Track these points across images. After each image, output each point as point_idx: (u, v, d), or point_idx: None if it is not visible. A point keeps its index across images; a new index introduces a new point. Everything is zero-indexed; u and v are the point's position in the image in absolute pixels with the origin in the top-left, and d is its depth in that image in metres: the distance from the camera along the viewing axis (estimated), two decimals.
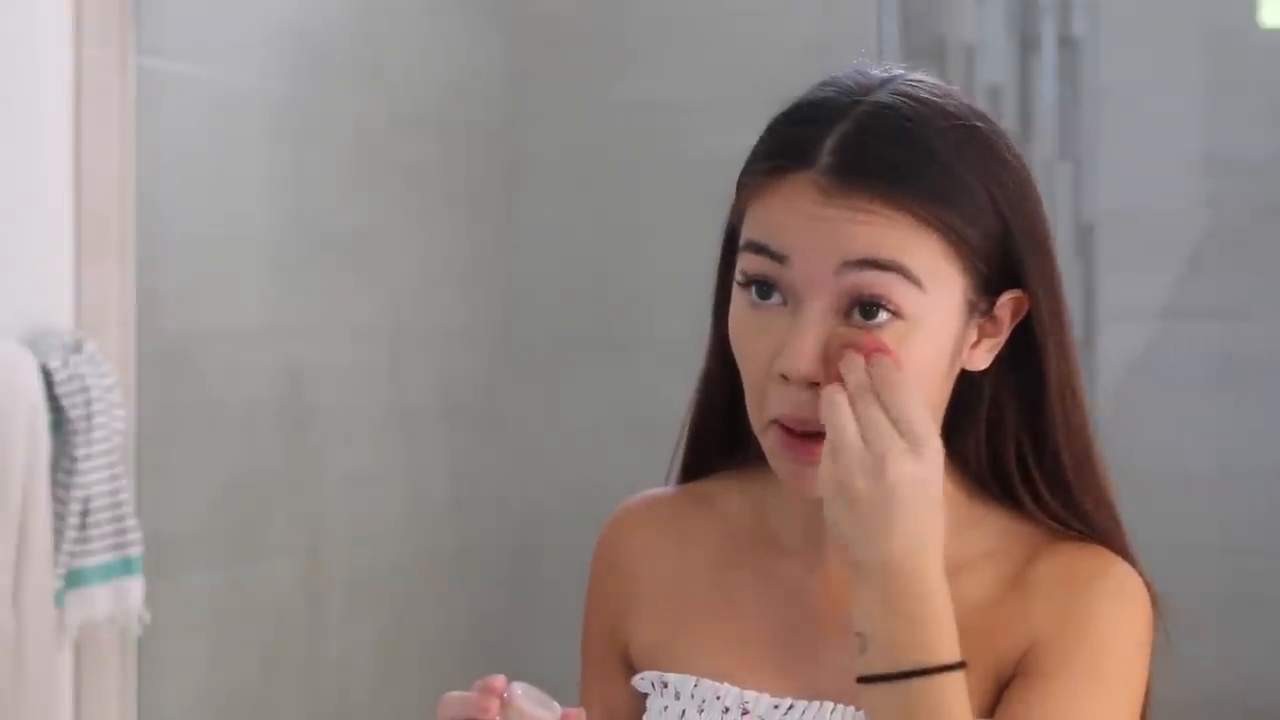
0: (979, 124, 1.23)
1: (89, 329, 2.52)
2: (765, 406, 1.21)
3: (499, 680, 1.17)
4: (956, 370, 1.24)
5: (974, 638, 1.21)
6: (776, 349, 1.20)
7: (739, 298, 1.23)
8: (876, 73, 1.25)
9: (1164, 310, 3.25)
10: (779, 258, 1.20)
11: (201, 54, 2.89)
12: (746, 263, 1.22)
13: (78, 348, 2.47)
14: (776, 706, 1.27)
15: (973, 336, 1.23)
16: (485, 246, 3.66)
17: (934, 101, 1.22)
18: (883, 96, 1.22)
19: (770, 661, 1.29)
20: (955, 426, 1.27)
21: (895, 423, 1.15)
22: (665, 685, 1.31)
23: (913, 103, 1.21)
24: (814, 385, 1.19)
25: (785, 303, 1.20)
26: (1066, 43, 3.35)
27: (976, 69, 3.37)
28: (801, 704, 1.27)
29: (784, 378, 1.19)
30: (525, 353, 3.72)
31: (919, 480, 1.15)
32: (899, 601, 1.15)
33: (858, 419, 1.15)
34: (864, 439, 1.15)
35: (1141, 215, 3.24)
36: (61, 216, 2.53)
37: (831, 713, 1.26)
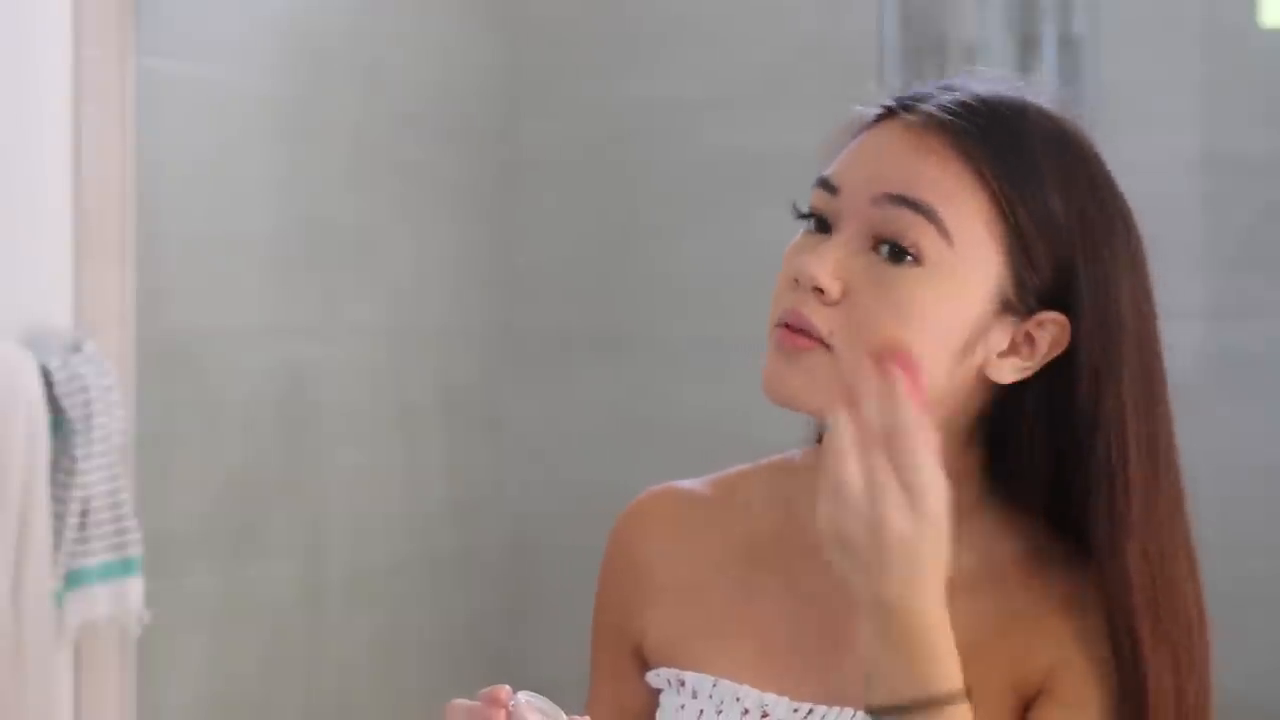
0: (1092, 157, 1.24)
1: (88, 329, 2.52)
2: (775, 310, 1.23)
3: (504, 690, 1.14)
4: (974, 364, 1.21)
5: (996, 652, 1.20)
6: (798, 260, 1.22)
7: (800, 231, 1.26)
8: (1024, 86, 1.27)
9: (1163, 310, 3.24)
10: (832, 189, 1.23)
11: (201, 54, 2.89)
12: (811, 198, 1.24)
13: (77, 348, 2.47)
14: (796, 710, 1.25)
15: (1002, 342, 1.21)
16: (484, 246, 3.66)
17: (1058, 117, 1.24)
18: (1012, 91, 1.25)
19: (791, 664, 1.27)
20: (1010, 440, 1.25)
21: (900, 474, 1.11)
22: (683, 683, 1.29)
23: (1036, 108, 1.24)
24: (819, 293, 1.19)
25: (831, 234, 1.23)
26: (1066, 43, 3.35)
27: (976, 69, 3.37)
28: (821, 709, 1.25)
29: (796, 282, 1.21)
30: (525, 353, 3.72)
31: (915, 540, 1.11)
32: (895, 637, 1.12)
33: (863, 468, 1.12)
34: (866, 492, 1.11)
35: (1140, 215, 3.23)
36: (61, 216, 2.53)
37: (852, 718, 1.24)
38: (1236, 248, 3.29)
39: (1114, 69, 3.33)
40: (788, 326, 1.20)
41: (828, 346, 1.19)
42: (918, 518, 1.11)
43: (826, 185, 1.23)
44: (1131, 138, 3.25)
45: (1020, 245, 1.20)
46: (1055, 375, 1.22)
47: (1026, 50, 3.36)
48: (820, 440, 1.31)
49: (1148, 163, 3.24)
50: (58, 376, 2.40)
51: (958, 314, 1.19)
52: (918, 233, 1.19)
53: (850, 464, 1.12)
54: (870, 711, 1.15)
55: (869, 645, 1.14)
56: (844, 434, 1.13)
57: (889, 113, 1.24)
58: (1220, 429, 3.20)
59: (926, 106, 1.22)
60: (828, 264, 1.19)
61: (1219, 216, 3.29)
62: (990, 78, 1.27)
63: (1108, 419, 1.22)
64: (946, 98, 1.23)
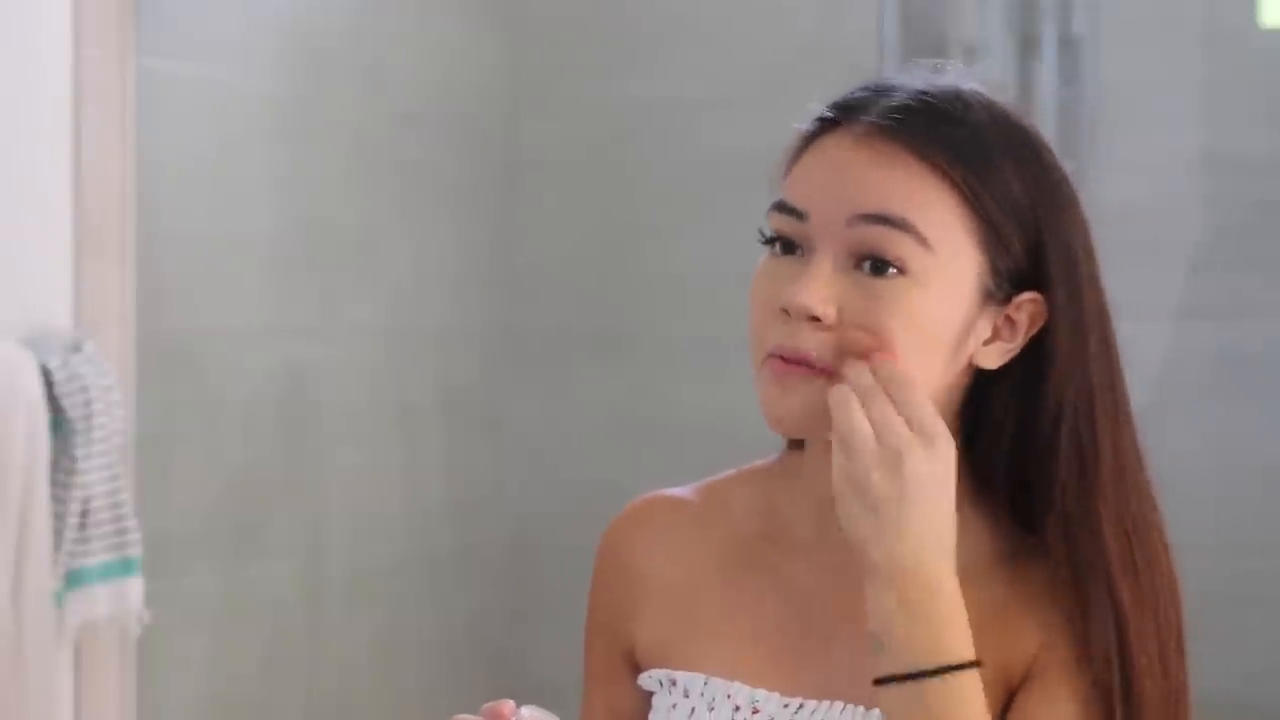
0: (1033, 134, 1.25)
1: (89, 329, 2.52)
2: (764, 342, 1.23)
3: (507, 704, 1.17)
4: (964, 358, 1.23)
5: (984, 645, 1.20)
6: (783, 291, 1.22)
7: (764, 256, 1.26)
8: (950, 74, 1.28)
9: (1163, 309, 3.25)
10: (799, 214, 1.23)
11: (201, 54, 2.89)
12: (771, 222, 1.25)
13: (77, 347, 2.47)
14: (787, 705, 1.27)
15: (986, 331, 1.23)
16: (484, 246, 3.66)
17: (995, 101, 1.26)
18: (946, 83, 1.26)
19: (780, 661, 1.29)
20: (979, 433, 1.27)
21: (908, 419, 1.17)
22: (674, 683, 1.31)
23: (974, 94, 1.25)
24: (814, 321, 1.20)
25: (803, 256, 1.23)
26: (1066, 43, 3.35)
27: (976, 69, 3.37)
28: (812, 704, 1.27)
29: (785, 312, 1.21)
30: (525, 352, 3.72)
31: (934, 477, 1.16)
32: (913, 601, 1.16)
33: (870, 418, 1.17)
34: (878, 436, 1.16)
35: (1141, 215, 3.24)
36: (61, 216, 2.53)
37: (841, 712, 1.26)
38: (1235, 248, 3.29)
39: (1114, 69, 3.34)
40: (783, 359, 1.21)
41: (829, 374, 1.20)
42: (932, 453, 1.16)
43: (792, 211, 1.23)
44: (1131, 138, 3.27)
45: (992, 233, 1.22)
46: (1028, 355, 1.24)
47: (1026, 50, 3.36)
48: (792, 445, 1.33)
49: (1148, 163, 3.26)
50: (58, 376, 2.41)
51: (949, 312, 1.21)
52: (898, 246, 1.20)
53: (856, 412, 1.16)
54: (881, 682, 1.17)
55: (882, 612, 1.16)
56: (844, 394, 1.17)
57: (832, 123, 1.25)
58: (1218, 429, 3.20)
59: (870, 116, 1.23)
60: (818, 290, 1.20)
61: (1218, 216, 3.30)
62: (918, 71, 1.28)
63: (1079, 389, 1.24)
64: (887, 102, 1.23)
